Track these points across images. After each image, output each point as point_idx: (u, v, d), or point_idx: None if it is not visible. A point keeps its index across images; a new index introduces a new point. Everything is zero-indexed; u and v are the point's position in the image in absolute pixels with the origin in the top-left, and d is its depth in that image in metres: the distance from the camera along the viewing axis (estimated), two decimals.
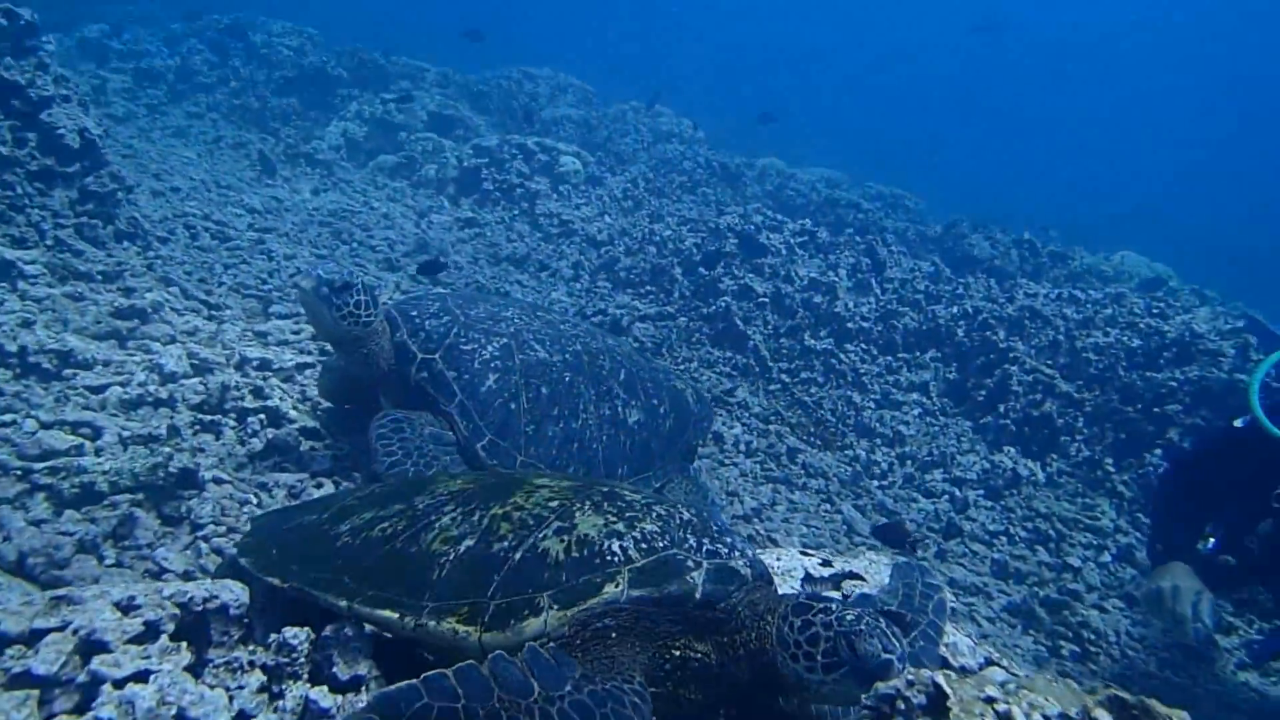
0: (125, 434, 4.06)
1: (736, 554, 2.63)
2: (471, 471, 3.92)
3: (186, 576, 3.45)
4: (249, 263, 6.94)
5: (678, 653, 2.49)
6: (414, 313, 4.43)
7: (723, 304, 8.21)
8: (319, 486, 4.28)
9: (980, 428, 7.54)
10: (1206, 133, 55.14)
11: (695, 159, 14.66)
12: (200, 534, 3.68)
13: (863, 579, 3.35)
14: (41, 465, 3.69)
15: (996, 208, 24.68)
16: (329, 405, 4.94)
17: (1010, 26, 47.54)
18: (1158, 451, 7.14)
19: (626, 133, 15.53)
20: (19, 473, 3.64)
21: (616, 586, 2.43)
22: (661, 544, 2.56)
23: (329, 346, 5.68)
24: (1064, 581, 5.76)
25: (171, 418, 4.32)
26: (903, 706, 2.20)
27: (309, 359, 5.41)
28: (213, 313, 5.75)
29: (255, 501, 4.01)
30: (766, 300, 8.34)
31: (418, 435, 4.11)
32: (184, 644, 2.29)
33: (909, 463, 6.97)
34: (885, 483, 6.68)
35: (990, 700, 2.01)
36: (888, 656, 2.13)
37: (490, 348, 4.42)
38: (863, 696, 2.30)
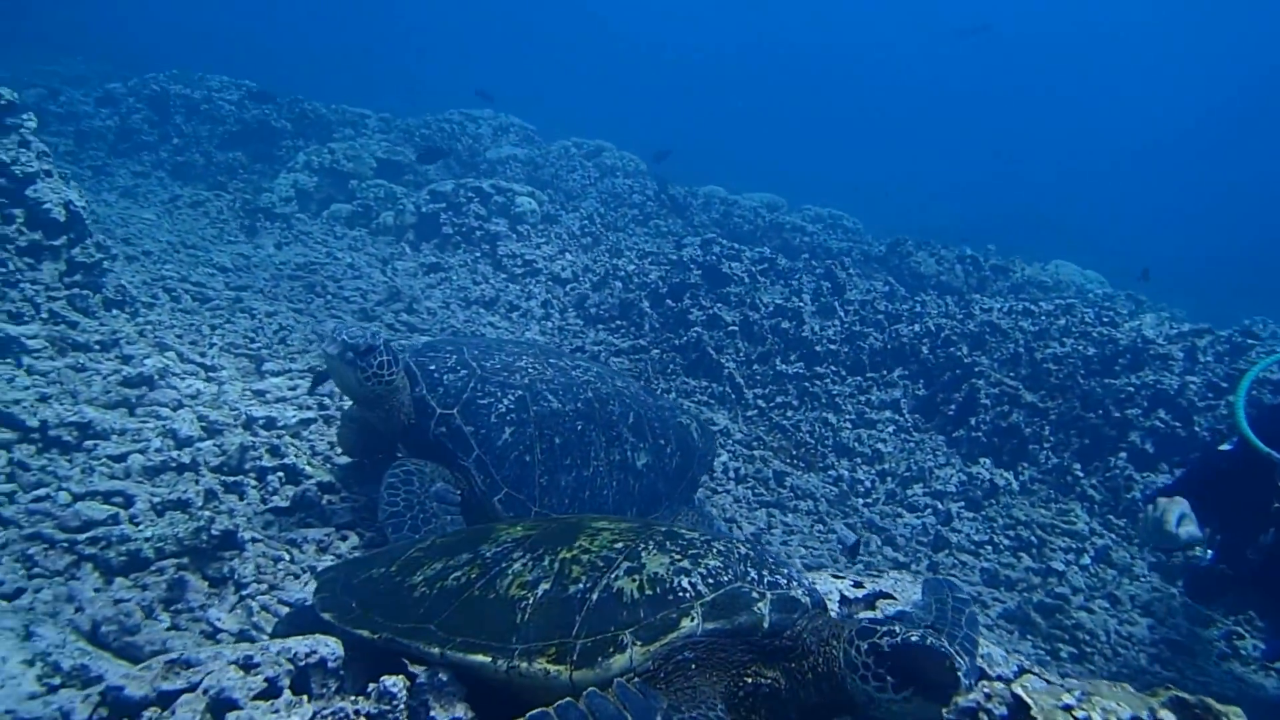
0: (155, 500, 4.13)
1: (795, 584, 2.78)
2: (528, 519, 4.01)
3: (241, 636, 3.51)
4: (233, 322, 6.94)
5: (750, 680, 2.62)
6: (432, 366, 4.52)
7: (694, 334, 8.39)
8: (344, 539, 4.36)
9: (953, 441, 7.80)
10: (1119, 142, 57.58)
11: (644, 191, 14.91)
12: (244, 593, 3.75)
13: (894, 597, 3.51)
14: (83, 536, 3.76)
15: (925, 223, 25.55)
16: (342, 461, 5.00)
17: (993, 28, 48.85)
18: (1123, 455, 7.47)
19: (573, 169, 15.70)
20: (65, 545, 3.68)
21: (692, 620, 2.55)
22: (726, 578, 2.69)
23: (329, 400, 5.75)
24: (1050, 585, 6.00)
25: (198, 481, 4.36)
26: (985, 718, 2.33)
27: (310, 414, 5.46)
28: (210, 374, 5.76)
29: (288, 558, 4.08)
30: (736, 328, 8.54)
31: (423, 491, 4.19)
32: (304, 698, 2.36)
33: (890, 479, 7.19)
34: (870, 500, 6.89)
35: (1069, 708, 2.15)
36: (957, 673, 2.27)
37: (506, 401, 4.52)
38: (943, 711, 2.43)
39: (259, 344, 6.61)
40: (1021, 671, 3.27)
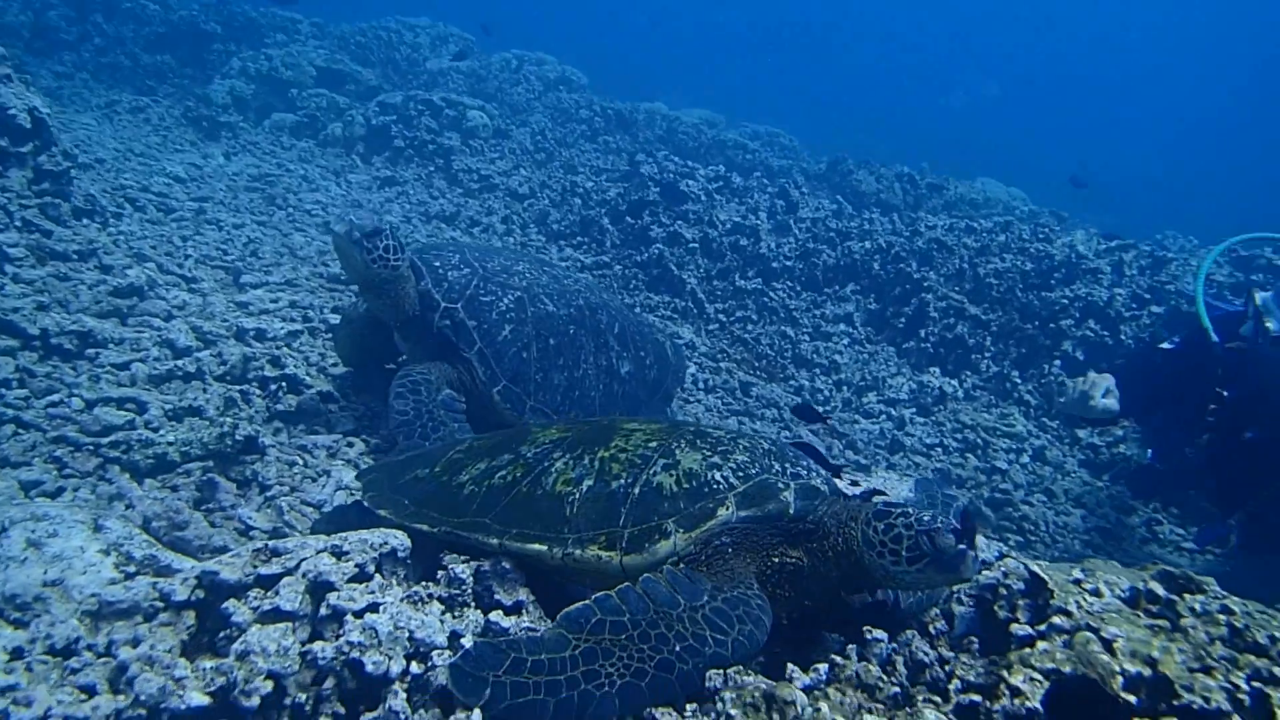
0: (168, 407, 4.29)
1: (814, 474, 3.13)
2: (561, 421, 4.25)
3: (275, 534, 3.74)
4: (202, 234, 6.96)
5: (777, 560, 2.97)
6: (437, 263, 4.72)
7: (655, 251, 8.63)
8: (350, 446, 4.60)
9: (903, 352, 8.26)
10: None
11: (590, 107, 14.89)
12: (268, 494, 3.97)
13: (885, 494, 3.90)
14: (106, 440, 3.92)
15: (857, 142, 25.94)
16: (337, 371, 5.17)
17: None
18: (1056, 362, 8.02)
19: (517, 82, 15.56)
20: (90, 448, 3.83)
21: (727, 509, 2.88)
22: (754, 470, 3.02)
23: (312, 314, 5.87)
24: (996, 482, 6.54)
25: (205, 389, 4.52)
26: (1004, 593, 2.70)
27: (296, 326, 5.62)
28: (191, 286, 5.82)
29: (302, 463, 4.31)
30: (696, 245, 8.80)
31: (431, 399, 4.42)
32: (393, 580, 2.63)
33: (846, 388, 7.62)
34: (829, 408, 7.31)
35: (1078, 582, 2.52)
36: (963, 547, 2.63)
37: (506, 300, 4.76)
38: (957, 582, 2.78)
39: (232, 256, 6.68)
40: (1002, 555, 3.70)
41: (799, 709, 2.03)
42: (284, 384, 4.83)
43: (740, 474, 3.00)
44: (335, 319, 5.54)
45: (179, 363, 4.69)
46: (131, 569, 2.90)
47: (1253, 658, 2.06)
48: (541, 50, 17.85)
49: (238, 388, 4.67)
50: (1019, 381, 7.93)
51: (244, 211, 7.95)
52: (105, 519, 3.05)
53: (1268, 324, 4.42)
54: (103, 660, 2.40)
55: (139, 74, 12.83)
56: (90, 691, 2.28)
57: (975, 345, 8.17)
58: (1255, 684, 1.95)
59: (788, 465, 3.11)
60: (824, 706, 2.06)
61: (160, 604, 2.55)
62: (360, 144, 11.27)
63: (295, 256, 7.10)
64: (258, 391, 4.71)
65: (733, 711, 2.07)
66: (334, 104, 12.30)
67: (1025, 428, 7.41)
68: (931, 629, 3.15)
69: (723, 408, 6.76)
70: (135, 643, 2.42)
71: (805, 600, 3.06)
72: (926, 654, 2.65)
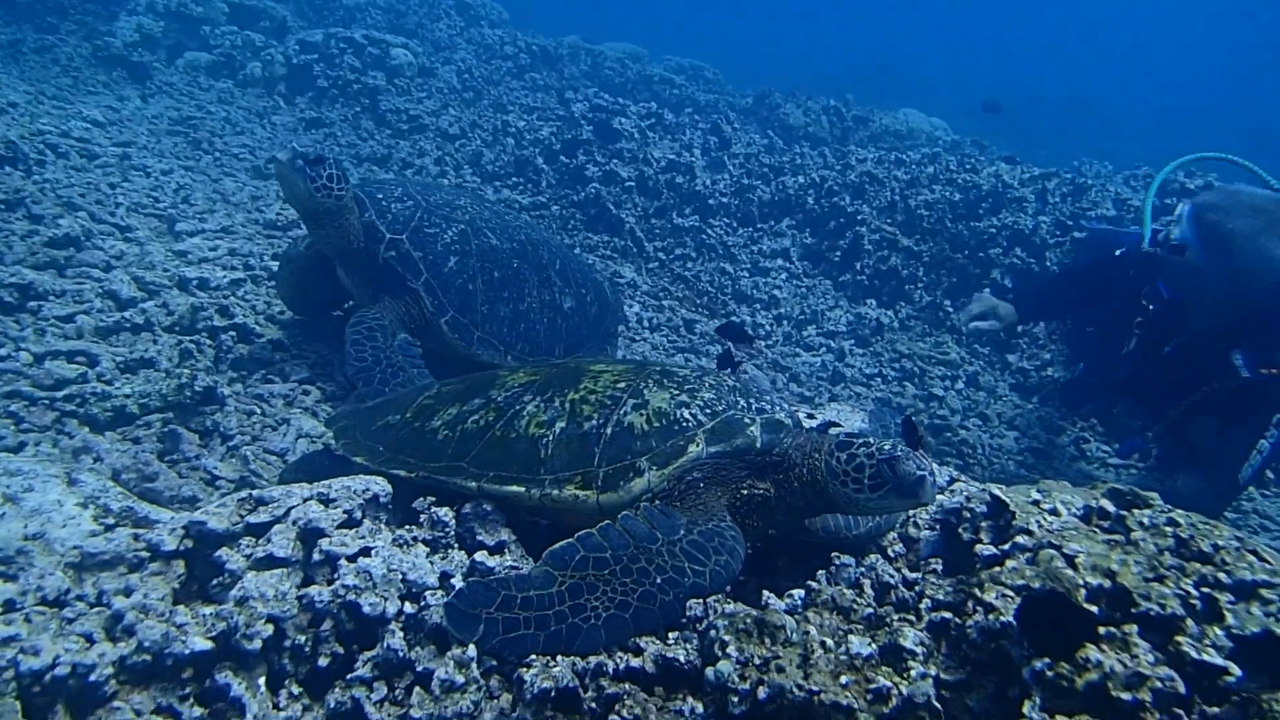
0: (119, 360, 4.23)
1: (778, 408, 3.25)
2: (528, 364, 4.29)
3: (242, 483, 3.76)
4: (130, 181, 6.74)
5: (746, 492, 3.10)
6: (380, 195, 4.71)
7: (592, 190, 8.61)
8: (306, 394, 4.62)
9: (840, 285, 8.44)
10: None
11: (515, 43, 14.62)
12: (230, 444, 3.97)
13: (840, 425, 4.05)
14: (60, 394, 3.88)
15: (779, 73, 25.96)
16: (285, 319, 5.13)
17: None
18: (986, 290, 8.27)
19: (438, 18, 15.14)
20: (45, 402, 3.79)
21: (697, 446, 2.99)
22: (721, 407, 3.13)
23: (254, 261, 5.77)
24: (934, 409, 6.79)
25: (155, 341, 4.47)
26: (968, 516, 2.85)
27: (239, 274, 5.54)
28: (126, 235, 5.67)
29: (260, 412, 4.32)
30: (632, 184, 8.80)
31: (388, 345, 4.43)
32: (380, 525, 2.69)
33: (786, 322, 7.78)
34: (770, 342, 7.47)
35: (1036, 502, 2.69)
36: (921, 473, 2.77)
37: (450, 232, 4.79)
38: (922, 505, 2.94)
39: (164, 204, 6.50)
40: (953, 480, 3.90)
41: (788, 632, 2.16)
42: (234, 333, 4.80)
43: (708, 411, 3.10)
44: (276, 266, 5.47)
45: (125, 314, 4.63)
46: (111, 521, 2.92)
47: (1198, 565, 2.24)
48: None
49: (189, 338, 4.62)
50: (951, 310, 8.17)
51: (170, 157, 7.70)
52: (78, 473, 3.04)
53: (1172, 231, 4.64)
54: (96, 610, 2.44)
55: (37, 10, 12.14)
56: (89, 640, 2.31)
57: (909, 276, 8.39)
58: (1204, 589, 2.13)
59: (753, 400, 3.22)
60: (811, 629, 2.19)
61: (147, 554, 2.59)
62: (282, 84, 10.92)
63: (229, 203, 6.93)
64: (209, 341, 4.67)
65: (726, 638, 2.18)
66: (249, 42, 11.83)
67: (959, 354, 7.68)
68: (890, 552, 3.34)
69: (668, 345, 6.86)
70: (128, 592, 2.46)
71: (770, 529, 3.20)
72: (891, 576, 2.80)
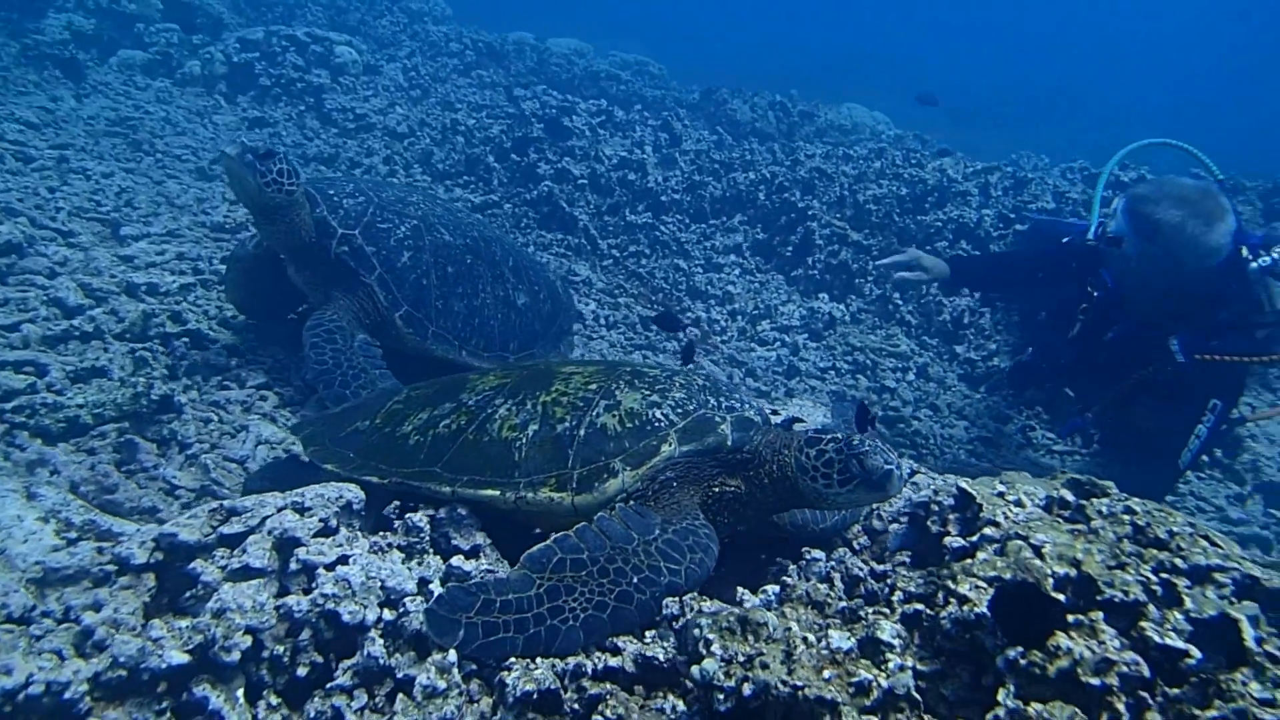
0: (70, 369, 4.15)
1: (747, 406, 3.29)
2: (499, 367, 4.28)
3: (203, 492, 3.71)
4: (69, 184, 6.58)
5: (718, 490, 3.14)
6: (331, 191, 4.69)
7: (545, 188, 8.60)
8: (264, 399, 4.55)
9: (792, 280, 8.54)
10: None
11: (460, 40, 14.51)
12: (189, 452, 3.91)
13: (804, 420, 4.11)
14: (9, 405, 3.79)
15: (725, 69, 26.07)
16: (238, 323, 5.06)
17: None
18: (935, 283, 8.43)
19: (381, 14, 14.96)
20: None
21: (670, 445, 3.02)
22: (692, 406, 3.17)
23: (203, 265, 5.67)
24: (886, 400, 6.91)
25: (106, 349, 4.38)
26: (936, 509, 2.92)
27: (188, 279, 5.45)
28: (69, 241, 5.53)
29: (217, 419, 4.25)
30: (585, 181, 8.81)
31: (349, 346, 4.39)
32: (357, 533, 2.68)
33: (740, 317, 7.86)
34: (725, 337, 7.53)
35: (1001, 494, 2.76)
36: (889, 467, 2.84)
37: (403, 228, 4.78)
38: (889, 498, 3.01)
39: (107, 207, 6.35)
40: (914, 472, 3.98)
41: (770, 629, 2.20)
42: (187, 339, 4.73)
43: (679, 410, 3.14)
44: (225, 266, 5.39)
45: (74, 322, 4.53)
46: (73, 535, 2.88)
47: (1155, 551, 2.33)
48: None
49: (141, 345, 4.53)
50: (900, 303, 8.31)
51: (109, 159, 7.52)
52: (37, 486, 2.98)
53: (1108, 224, 4.80)
54: (65, 626, 2.40)
55: None
56: (59, 656, 2.27)
57: (859, 270, 8.50)
58: (1163, 575, 2.21)
59: (722, 399, 3.26)
60: (793, 625, 2.24)
61: (114, 568, 2.55)
62: (222, 83, 10.71)
63: (173, 205, 6.79)
64: (161, 349, 4.58)
65: (710, 636, 2.21)
66: (186, 40, 11.59)
67: (909, 346, 7.82)
68: (855, 544, 3.41)
69: (625, 343, 6.89)
70: (97, 606, 2.43)
71: (740, 525, 3.25)
72: (860, 569, 2.87)
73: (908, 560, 2.90)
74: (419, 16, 15.69)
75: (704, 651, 2.21)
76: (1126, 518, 2.50)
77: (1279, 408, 5.51)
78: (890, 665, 2.17)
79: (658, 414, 3.10)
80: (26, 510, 2.83)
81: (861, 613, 2.49)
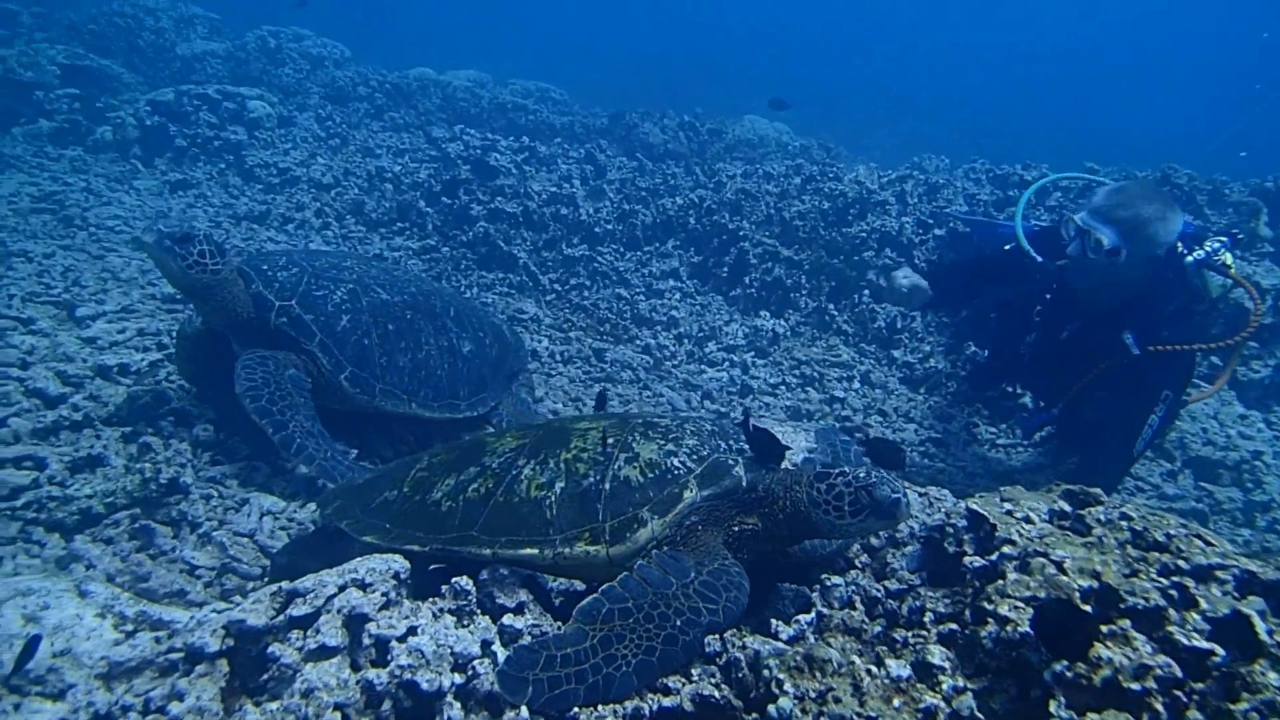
0: (67, 460, 4.16)
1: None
2: (515, 428, 4.35)
3: (224, 569, 3.74)
4: (15, 268, 6.42)
5: (737, 528, 3.32)
6: (264, 266, 4.80)
7: (480, 229, 8.69)
8: (256, 470, 4.60)
9: (731, 300, 8.79)
10: None
11: (367, 84, 14.41)
12: (200, 531, 3.94)
13: (790, 448, 4.31)
14: (19, 502, 3.82)
15: (619, 89, 26.42)
16: (212, 393, 5.05)
17: None
18: (865, 291, 8.80)
19: (281, 63, 14.79)
20: (7, 513, 3.68)
21: (691, 491, 3.20)
22: (705, 451, 3.35)
23: (167, 340, 5.63)
24: (837, 410, 7.20)
25: (99, 436, 4.37)
26: (950, 530, 3.14)
27: (155, 355, 5.46)
28: (30, 328, 5.44)
29: (217, 495, 4.27)
30: (519, 219, 8.92)
31: (278, 373, 4.53)
32: (418, 603, 2.78)
33: (687, 340, 8.07)
34: (676, 362, 7.73)
35: (1009, 512, 3.00)
36: (896, 496, 3.05)
37: (339, 293, 4.90)
38: (901, 526, 3.22)
39: (57, 289, 6.24)
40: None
41: (835, 665, 2.38)
42: (173, 418, 4.74)
43: (694, 456, 3.31)
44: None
45: (60, 412, 4.53)
46: (130, 627, 2.98)
47: (1158, 554, 2.59)
48: (295, 25, 16.97)
49: (131, 429, 4.53)
50: (836, 313, 8.64)
51: (44, 238, 7.34)
52: (86, 584, 3.02)
53: (1100, 238, 4.94)
54: (152, 718, 2.45)
55: None
56: None
57: (793, 285, 8.81)
58: (1173, 578, 2.46)
59: (731, 442, 3.44)
60: (855, 660, 2.42)
61: (180, 655, 2.64)
62: (136, 146, 10.47)
63: (119, 280, 6.67)
64: (150, 431, 4.57)
65: (780, 675, 2.38)
66: (89, 105, 11.29)
67: (849, 355, 8.14)
68: (858, 562, 3.62)
69: (584, 377, 7.02)
70: (179, 696, 2.50)
71: (757, 558, 3.44)
72: (877, 590, 3.07)
73: (921, 580, 3.11)
74: (319, 62, 15.53)
75: (777, 691, 2.38)
76: (1124, 524, 2.75)
77: (1211, 388, 5.87)
78: (944, 687, 2.37)
79: (675, 462, 3.27)
80: (84, 608, 2.91)
81: (896, 634, 2.69)
